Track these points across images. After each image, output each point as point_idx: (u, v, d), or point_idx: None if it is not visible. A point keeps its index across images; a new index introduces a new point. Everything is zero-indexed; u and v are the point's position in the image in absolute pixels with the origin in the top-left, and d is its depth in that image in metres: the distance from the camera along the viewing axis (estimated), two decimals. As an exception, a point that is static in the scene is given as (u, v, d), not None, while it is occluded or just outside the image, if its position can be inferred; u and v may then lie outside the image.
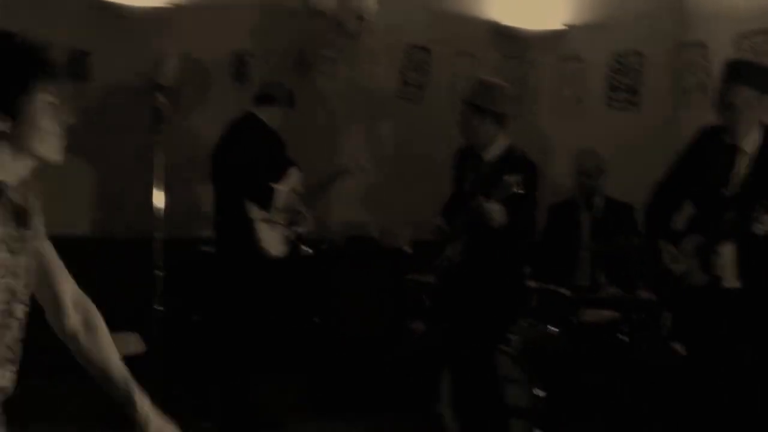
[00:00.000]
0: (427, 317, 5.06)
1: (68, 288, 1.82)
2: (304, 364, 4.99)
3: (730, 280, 3.31)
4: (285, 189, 4.40)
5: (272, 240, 4.33)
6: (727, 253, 3.30)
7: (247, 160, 4.25)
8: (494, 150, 3.77)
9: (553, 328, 4.17)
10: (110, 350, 1.84)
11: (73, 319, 1.81)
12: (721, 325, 3.35)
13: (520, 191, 3.46)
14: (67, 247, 1.90)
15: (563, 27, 5.83)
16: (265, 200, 4.30)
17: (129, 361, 1.90)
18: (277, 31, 5.46)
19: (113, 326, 1.86)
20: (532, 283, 4.24)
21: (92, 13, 4.97)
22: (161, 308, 4.36)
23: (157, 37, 5.08)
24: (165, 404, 1.89)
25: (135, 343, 4.22)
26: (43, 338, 1.82)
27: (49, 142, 1.62)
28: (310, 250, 5.18)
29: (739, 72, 3.36)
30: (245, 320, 4.31)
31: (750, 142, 3.34)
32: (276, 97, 4.44)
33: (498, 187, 3.50)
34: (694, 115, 5.82)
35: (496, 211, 3.51)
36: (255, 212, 4.25)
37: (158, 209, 4.39)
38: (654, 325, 4.23)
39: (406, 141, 5.75)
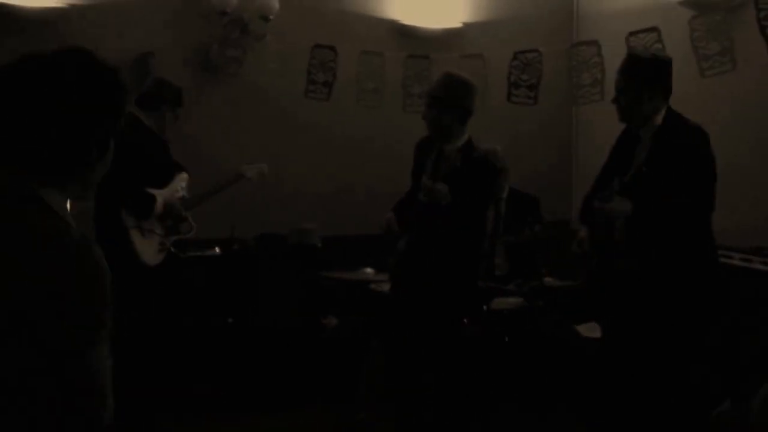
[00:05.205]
0: (339, 311, 5.12)
1: None
2: (218, 365, 4.97)
3: (621, 262, 3.47)
4: (167, 195, 4.24)
5: (147, 249, 4.14)
6: (618, 235, 3.46)
7: (122, 166, 4.01)
8: (456, 143, 3.85)
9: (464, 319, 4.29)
10: None
11: None
12: (620, 306, 3.51)
13: (457, 164, 3.64)
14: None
15: (462, 26, 6.00)
16: (142, 208, 4.12)
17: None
18: (180, 32, 5.41)
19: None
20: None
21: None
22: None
23: (54, 39, 4.94)
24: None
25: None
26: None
27: None
28: (218, 251, 5.16)
29: (628, 65, 3.54)
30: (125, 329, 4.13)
31: (648, 130, 3.48)
32: (161, 98, 4.24)
33: (442, 165, 3.65)
34: (589, 109, 6.11)
35: (439, 189, 3.65)
36: (130, 220, 4.07)
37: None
38: (558, 309, 4.41)
39: (314, 139, 5.79)
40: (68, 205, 1.44)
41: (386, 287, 4.24)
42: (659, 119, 3.48)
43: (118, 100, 1.44)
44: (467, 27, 6.02)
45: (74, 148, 1.39)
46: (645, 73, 3.46)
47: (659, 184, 3.36)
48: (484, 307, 4.33)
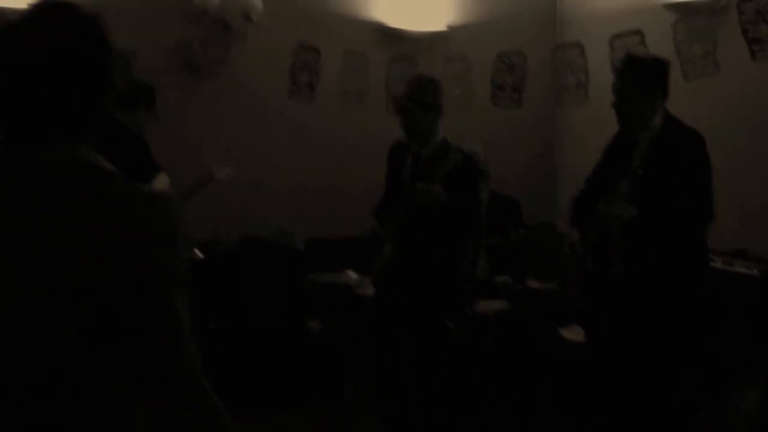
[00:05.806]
0: (322, 314, 5.09)
1: None
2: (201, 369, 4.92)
3: (615, 265, 3.45)
4: None
5: None
6: (614, 240, 3.43)
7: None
8: (433, 144, 3.83)
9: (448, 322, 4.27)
10: None
11: None
12: (615, 309, 3.48)
13: (459, 162, 3.61)
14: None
15: (446, 28, 5.99)
16: None
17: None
18: (161, 31, 5.35)
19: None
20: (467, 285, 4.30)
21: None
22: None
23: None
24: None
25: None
26: None
27: None
28: (200, 254, 5.11)
29: (626, 67, 3.49)
30: None
31: (646, 134, 3.42)
32: (134, 98, 4.21)
33: (438, 168, 3.60)
34: (572, 111, 6.12)
35: (436, 191, 3.59)
36: None
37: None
38: (543, 312, 4.40)
39: (297, 140, 5.76)
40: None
41: (370, 290, 4.22)
42: (657, 122, 3.42)
43: (104, 44, 1.41)
44: (451, 29, 6.00)
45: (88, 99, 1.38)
46: (645, 75, 3.41)
47: (658, 187, 3.32)
48: (468, 310, 4.32)
